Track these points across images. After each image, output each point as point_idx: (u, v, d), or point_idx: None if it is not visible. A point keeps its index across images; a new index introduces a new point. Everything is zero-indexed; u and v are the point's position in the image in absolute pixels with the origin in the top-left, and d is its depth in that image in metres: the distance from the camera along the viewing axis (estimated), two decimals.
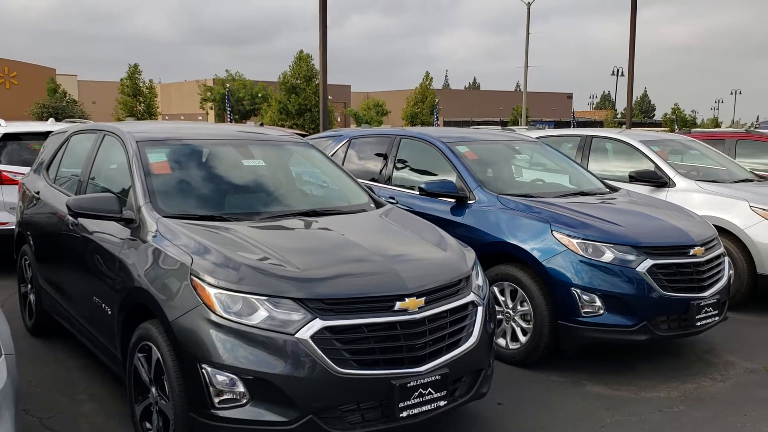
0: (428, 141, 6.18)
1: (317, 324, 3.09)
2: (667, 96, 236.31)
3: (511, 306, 5.13)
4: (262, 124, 10.54)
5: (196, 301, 3.16)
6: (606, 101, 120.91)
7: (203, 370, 3.08)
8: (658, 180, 7.24)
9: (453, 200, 5.64)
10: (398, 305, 3.26)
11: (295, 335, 3.06)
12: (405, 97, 63.27)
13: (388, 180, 6.40)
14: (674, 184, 7.20)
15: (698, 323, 4.90)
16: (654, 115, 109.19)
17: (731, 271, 6.59)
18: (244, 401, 3.07)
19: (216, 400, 3.08)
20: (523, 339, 5.04)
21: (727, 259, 5.40)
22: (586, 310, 4.74)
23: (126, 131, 4.48)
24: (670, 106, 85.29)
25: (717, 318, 5.07)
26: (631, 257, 4.77)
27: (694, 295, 4.88)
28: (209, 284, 3.17)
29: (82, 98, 70.48)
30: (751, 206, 6.62)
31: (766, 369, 5.12)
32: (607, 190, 6.15)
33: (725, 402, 4.50)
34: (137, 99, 46.47)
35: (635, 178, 7.24)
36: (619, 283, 4.71)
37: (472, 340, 3.55)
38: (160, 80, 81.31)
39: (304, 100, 52.63)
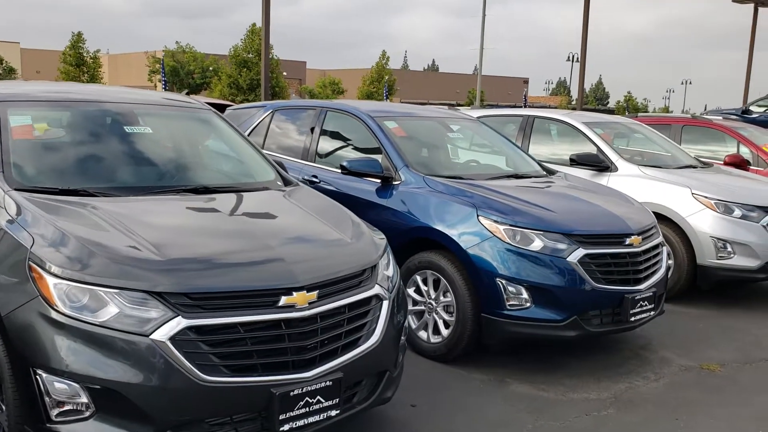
0: (354, 114, 5.67)
1: (179, 323, 2.58)
2: (621, 84, 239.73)
3: (433, 296, 4.69)
4: (188, 93, 9.87)
5: (33, 293, 2.61)
6: (561, 87, 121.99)
7: (38, 377, 2.56)
8: (599, 164, 6.88)
9: (378, 181, 5.16)
10: (284, 300, 2.78)
11: (151, 336, 2.55)
12: (362, 76, 62.54)
13: (313, 157, 5.87)
14: (616, 169, 6.85)
15: (632, 318, 4.55)
16: (608, 103, 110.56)
17: (670, 261, 6.31)
18: (88, 414, 2.56)
19: (53, 412, 2.56)
20: (445, 332, 4.62)
21: (666, 249, 5.07)
22: (511, 303, 4.33)
23: None
24: (623, 93, 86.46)
25: (653, 312, 4.72)
26: (561, 246, 4.37)
27: (628, 288, 4.52)
28: (49, 273, 2.62)
29: (26, 67, 67.66)
30: (693, 194, 6.32)
31: (701, 367, 4.82)
32: (544, 173, 5.75)
33: (657, 404, 4.16)
34: (81, 69, 44.64)
35: (576, 161, 6.87)
36: (548, 274, 4.31)
37: (374, 338, 3.09)
38: (108, 51, 78.68)
39: (256, 75, 51.47)
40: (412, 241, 4.83)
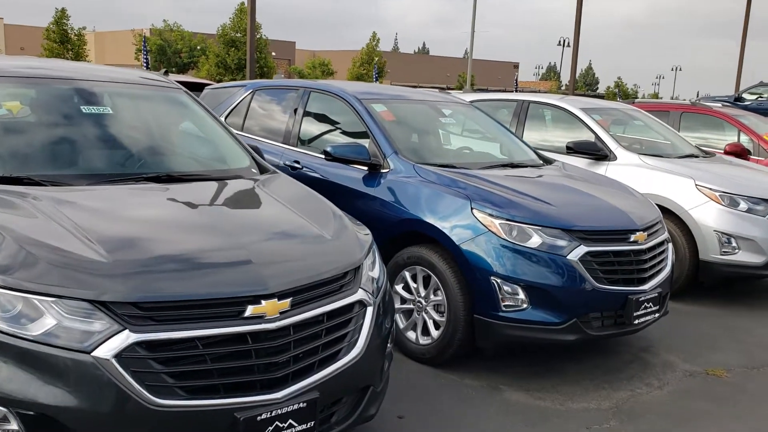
0: (340, 96, 5.28)
1: (127, 338, 2.21)
2: (612, 69, 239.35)
3: (423, 294, 4.35)
4: (166, 72, 9.41)
5: None
6: (552, 72, 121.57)
7: None
8: (598, 152, 6.53)
9: (365, 168, 4.79)
10: (251, 310, 2.41)
11: (93, 353, 2.17)
12: (352, 57, 61.85)
13: (295, 141, 5.48)
14: (615, 158, 6.51)
15: (636, 321, 4.22)
16: (597, 88, 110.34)
17: (672, 256, 5.99)
18: None
19: None
20: (435, 333, 4.28)
21: (670, 245, 4.74)
22: (506, 304, 3.99)
23: None
24: (613, 79, 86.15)
25: (657, 314, 4.40)
26: (561, 243, 4.02)
27: (632, 288, 4.19)
28: None
29: (9, 43, 66.33)
30: (697, 185, 5.99)
31: (707, 372, 4.51)
32: (541, 162, 5.39)
33: (662, 415, 3.85)
34: (65, 47, 43.67)
35: (573, 149, 6.52)
36: (546, 273, 3.97)
37: (356, 350, 2.74)
38: (94, 28, 77.40)
39: (244, 54, 50.69)
40: (401, 235, 4.47)
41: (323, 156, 4.89)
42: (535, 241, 4.01)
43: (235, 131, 4.25)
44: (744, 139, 8.80)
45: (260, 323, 2.41)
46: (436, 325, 4.27)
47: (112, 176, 3.15)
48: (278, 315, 2.45)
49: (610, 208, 4.45)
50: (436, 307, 4.28)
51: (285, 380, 2.47)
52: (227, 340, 2.37)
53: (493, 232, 4.03)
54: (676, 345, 4.95)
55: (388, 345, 3.10)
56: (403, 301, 4.46)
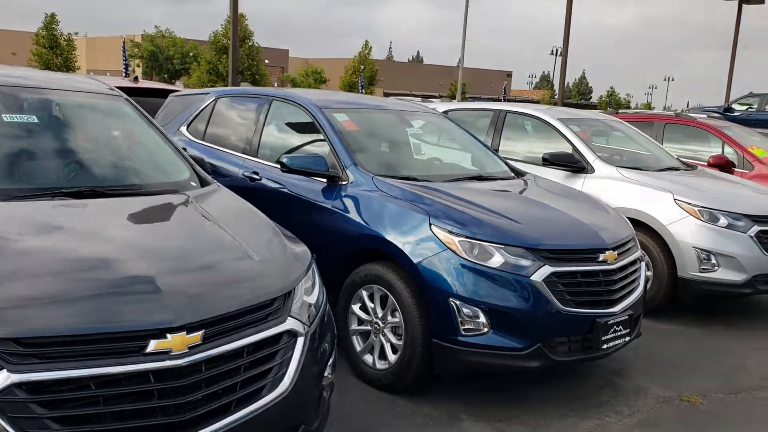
0: (302, 105, 5.03)
1: (5, 379, 1.94)
2: (605, 79, 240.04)
3: (380, 315, 4.09)
4: (136, 78, 9.20)
5: None
6: (545, 81, 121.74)
7: None
8: (575, 164, 6.31)
9: (325, 180, 4.54)
10: (153, 345, 2.14)
11: None
12: (345, 65, 61.80)
13: (255, 150, 5.23)
14: (593, 170, 6.29)
15: (604, 345, 3.97)
16: (591, 97, 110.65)
17: (649, 273, 5.77)
18: None
19: None
20: (392, 358, 4.03)
21: (644, 263, 4.49)
22: (466, 327, 3.74)
23: None
24: (606, 89, 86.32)
25: (628, 338, 4.15)
26: (525, 263, 3.78)
27: (601, 310, 3.95)
28: None
29: (1, 48, 65.93)
30: (675, 199, 5.77)
31: (681, 398, 4.27)
32: (512, 174, 5.16)
33: None
34: (54, 52, 43.36)
35: (549, 161, 6.29)
36: (508, 295, 3.72)
37: (282, 386, 2.47)
38: (86, 33, 77.09)
39: (236, 62, 50.62)
40: (358, 251, 4.23)
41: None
42: (496, 260, 3.77)
43: (177, 142, 4.00)
44: (729, 151, 8.60)
45: (165, 360, 2.14)
46: (394, 349, 4.02)
47: (24, 191, 2.88)
48: (186, 350, 2.18)
49: (579, 224, 4.21)
50: (394, 330, 4.03)
51: (194, 423, 2.20)
52: (124, 380, 2.09)
53: (452, 251, 3.79)
54: (650, 367, 4.72)
55: (327, 375, 2.85)
56: (360, 322, 4.22)
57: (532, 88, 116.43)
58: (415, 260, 3.85)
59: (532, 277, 3.74)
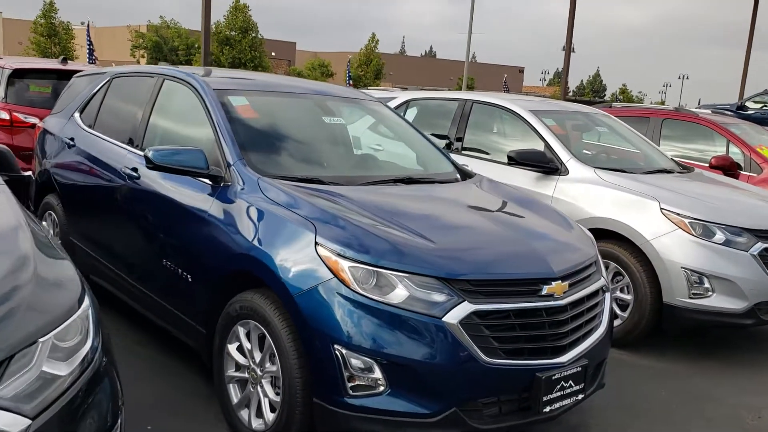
0: (191, 85, 4.05)
1: None
2: (619, 77, 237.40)
3: (258, 360, 3.12)
4: (65, 59, 8.27)
5: None
6: (558, 78, 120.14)
7: None
8: (545, 164, 5.31)
9: (208, 181, 3.57)
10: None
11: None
12: (349, 59, 60.88)
13: (140, 143, 4.26)
14: (567, 172, 5.28)
15: (547, 408, 2.97)
16: (605, 95, 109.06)
17: (629, 296, 4.77)
18: None
19: None
20: (270, 417, 3.06)
21: (608, 295, 3.46)
22: (357, 385, 2.77)
23: None
24: (619, 86, 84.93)
25: (581, 395, 3.14)
26: (438, 298, 2.79)
27: (543, 361, 2.94)
28: None
29: (7, 38, 65.42)
30: (662, 209, 4.74)
31: None
32: (456, 176, 4.15)
33: None
34: (52, 40, 42.61)
35: (515, 160, 5.29)
36: (413, 343, 2.74)
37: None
38: (90, 22, 76.49)
39: (239, 53, 49.94)
40: (231, 275, 3.26)
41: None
42: (399, 294, 2.78)
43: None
44: (735, 151, 7.55)
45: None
46: (272, 407, 3.06)
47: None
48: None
49: (520, 245, 3.19)
50: (273, 381, 3.06)
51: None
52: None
53: (341, 280, 2.81)
54: (620, 421, 3.72)
55: None
56: (238, 367, 3.25)
57: (546, 85, 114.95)
58: (292, 291, 2.88)
59: (444, 318, 2.74)
